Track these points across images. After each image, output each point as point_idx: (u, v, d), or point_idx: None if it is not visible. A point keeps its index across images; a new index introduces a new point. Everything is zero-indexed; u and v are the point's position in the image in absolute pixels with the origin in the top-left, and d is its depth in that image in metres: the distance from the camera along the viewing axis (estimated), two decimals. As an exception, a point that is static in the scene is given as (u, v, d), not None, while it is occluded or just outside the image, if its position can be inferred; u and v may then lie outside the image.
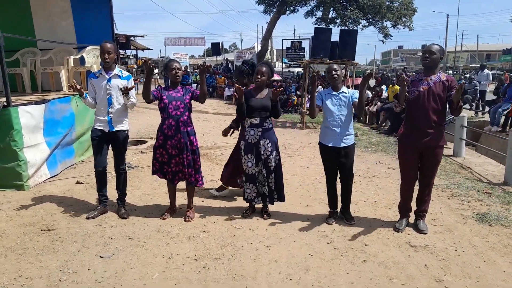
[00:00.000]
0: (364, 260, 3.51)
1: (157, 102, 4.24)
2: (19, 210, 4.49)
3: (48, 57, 7.65)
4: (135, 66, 23.14)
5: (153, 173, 4.41)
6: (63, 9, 7.76)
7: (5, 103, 5.03)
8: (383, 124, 11.42)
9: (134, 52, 25.72)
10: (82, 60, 7.60)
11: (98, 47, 4.30)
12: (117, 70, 4.36)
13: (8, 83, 5.03)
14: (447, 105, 3.94)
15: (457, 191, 5.38)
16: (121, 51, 21.50)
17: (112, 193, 4.67)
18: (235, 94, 4.18)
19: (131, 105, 4.35)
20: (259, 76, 4.31)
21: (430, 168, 4.05)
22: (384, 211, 4.70)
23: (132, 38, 22.61)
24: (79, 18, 7.78)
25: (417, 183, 4.19)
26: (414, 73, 25.00)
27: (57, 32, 7.74)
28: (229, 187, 5.18)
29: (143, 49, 26.55)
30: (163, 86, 4.32)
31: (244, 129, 4.46)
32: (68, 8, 7.77)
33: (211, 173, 6.13)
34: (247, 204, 4.59)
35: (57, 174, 5.88)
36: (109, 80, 4.28)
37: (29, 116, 5.29)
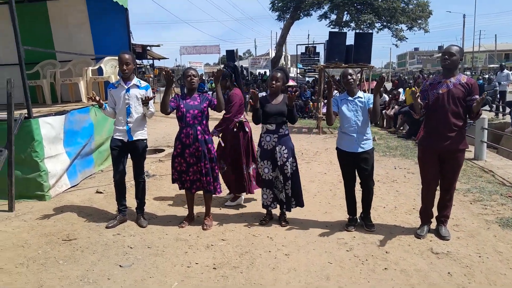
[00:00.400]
0: (385, 268, 3.45)
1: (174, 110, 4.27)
2: (41, 220, 4.57)
3: (67, 68, 7.81)
4: (152, 75, 23.44)
5: (173, 182, 4.44)
6: (81, 21, 7.91)
7: (26, 115, 5.14)
8: (401, 128, 11.26)
9: (150, 61, 26.06)
10: (100, 71, 7.73)
11: (116, 58, 4.37)
12: (135, 80, 4.41)
13: (29, 95, 5.15)
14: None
15: (480, 196, 5.26)
16: (138, 61, 21.84)
17: (131, 202, 4.71)
18: (251, 100, 4.18)
19: (150, 115, 4.40)
20: (273, 82, 4.31)
21: (451, 173, 3.96)
22: (404, 217, 4.62)
23: (148, 48, 22.94)
24: (97, 29, 7.92)
25: (438, 187, 4.11)
26: (431, 75, 24.67)
27: (75, 44, 7.90)
28: (243, 194, 5.17)
29: (159, 59, 26.89)
30: (179, 94, 4.35)
31: (260, 135, 4.45)
32: (85, 20, 7.92)
33: (228, 180, 6.13)
34: (265, 211, 4.57)
35: (77, 184, 5.97)
36: (127, 90, 4.34)
37: (49, 127, 5.40)
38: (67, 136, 5.78)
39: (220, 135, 4.93)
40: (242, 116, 4.89)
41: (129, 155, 4.48)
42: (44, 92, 7.63)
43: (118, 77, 7.03)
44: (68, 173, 5.76)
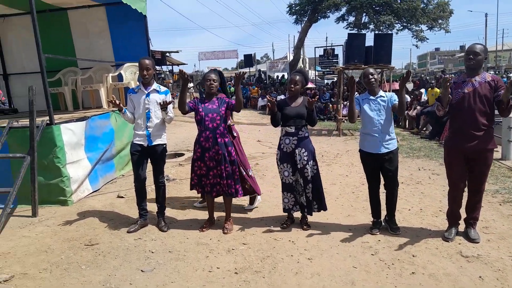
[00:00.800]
0: (413, 272, 3.33)
1: (193, 114, 4.26)
2: (64, 225, 4.60)
3: (88, 75, 7.93)
4: (171, 81, 23.69)
5: (191, 188, 4.41)
6: (101, 29, 8.03)
7: (48, 121, 5.21)
8: (424, 129, 11.02)
9: (169, 67, 26.34)
10: (120, 77, 7.82)
11: (135, 64, 4.39)
12: (155, 85, 4.43)
13: (51, 102, 5.22)
14: (495, 107, 3.72)
15: (509, 197, 5.06)
16: (157, 67, 22.11)
17: (152, 206, 4.71)
18: (269, 104, 4.14)
19: (169, 120, 4.40)
20: (292, 86, 4.26)
21: (480, 173, 3.81)
22: (431, 220, 4.47)
23: (167, 54, 23.21)
24: (116, 37, 8.02)
25: (466, 189, 3.96)
26: (453, 75, 24.16)
27: (96, 51, 8.03)
28: (258, 196, 5.10)
29: (178, 64, 27.19)
30: (198, 98, 4.34)
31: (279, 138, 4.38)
32: (105, 28, 8.03)
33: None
34: (286, 215, 4.50)
35: (98, 189, 6.02)
36: (147, 95, 4.35)
37: (71, 133, 5.46)
38: (88, 142, 5.84)
39: None
40: (229, 121, 4.84)
41: (149, 159, 4.49)
42: (66, 99, 7.76)
43: (138, 83, 7.08)
44: (90, 178, 5.81)
